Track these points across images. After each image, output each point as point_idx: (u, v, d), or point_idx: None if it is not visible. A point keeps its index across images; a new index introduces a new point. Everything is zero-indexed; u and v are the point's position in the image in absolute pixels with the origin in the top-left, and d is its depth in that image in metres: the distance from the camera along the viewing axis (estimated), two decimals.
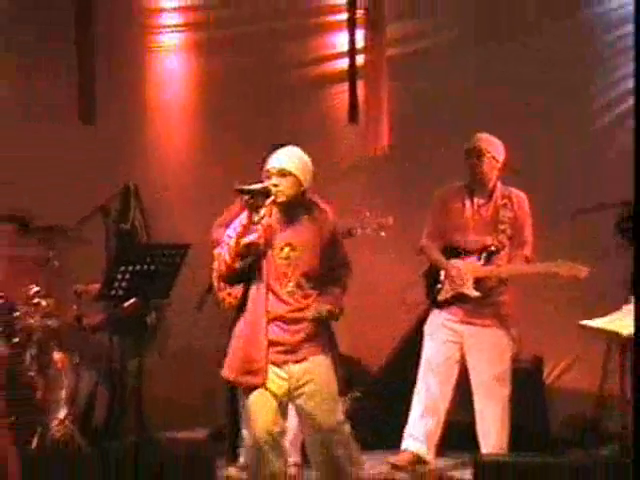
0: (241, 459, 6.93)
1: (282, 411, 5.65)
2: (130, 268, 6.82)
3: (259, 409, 5.60)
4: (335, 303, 5.63)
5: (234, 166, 7.47)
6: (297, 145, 5.78)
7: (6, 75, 8.59)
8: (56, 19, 8.37)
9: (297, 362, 5.60)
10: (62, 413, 7.27)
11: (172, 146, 8.88)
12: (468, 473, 5.50)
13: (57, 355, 7.34)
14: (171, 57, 8.89)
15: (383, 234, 7.11)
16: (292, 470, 6.74)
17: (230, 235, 5.57)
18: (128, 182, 8.05)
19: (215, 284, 7.00)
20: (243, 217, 5.54)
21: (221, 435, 7.52)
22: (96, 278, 7.09)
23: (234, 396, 7.06)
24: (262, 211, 5.52)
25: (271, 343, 5.56)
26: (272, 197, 5.49)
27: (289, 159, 5.60)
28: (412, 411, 6.92)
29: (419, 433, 6.87)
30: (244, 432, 6.21)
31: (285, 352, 5.58)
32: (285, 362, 5.58)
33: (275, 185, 5.50)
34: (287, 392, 5.60)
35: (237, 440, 7.16)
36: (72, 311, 7.54)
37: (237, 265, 5.57)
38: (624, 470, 5.20)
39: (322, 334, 5.66)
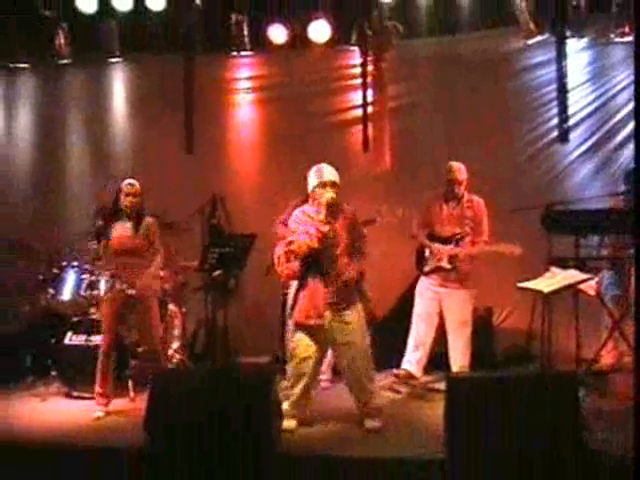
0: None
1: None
2: (217, 250, 7.03)
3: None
4: (356, 270, 5.80)
5: (286, 182, 7.53)
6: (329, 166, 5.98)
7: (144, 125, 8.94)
8: (169, 87, 8.60)
9: (340, 310, 5.79)
10: (176, 345, 7.51)
11: (244, 167, 8.96)
12: (442, 384, 5.59)
13: (171, 307, 7.57)
14: (244, 109, 9.02)
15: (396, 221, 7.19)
16: (326, 384, 7.01)
17: (308, 230, 5.75)
18: (215, 192, 8.05)
19: (276, 261, 7.16)
20: (320, 219, 5.75)
21: (278, 360, 7.54)
22: (195, 256, 7.35)
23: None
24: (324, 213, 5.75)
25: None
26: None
27: (334, 174, 5.81)
28: (408, 344, 7.01)
29: (412, 359, 6.98)
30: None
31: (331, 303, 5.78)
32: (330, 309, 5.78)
33: (331, 193, 5.75)
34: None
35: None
36: (180, 278, 7.77)
37: (317, 246, 5.73)
38: (542, 379, 5.40)
39: (354, 292, 5.85)
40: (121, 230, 6.49)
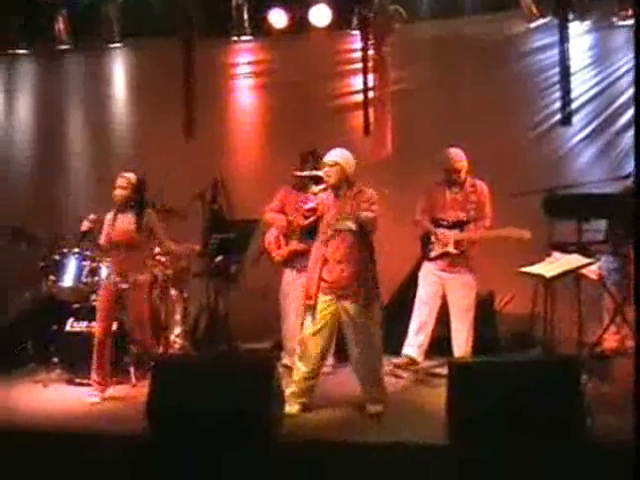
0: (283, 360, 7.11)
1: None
2: (219, 235, 7.06)
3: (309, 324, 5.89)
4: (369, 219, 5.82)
5: (287, 166, 7.46)
6: (331, 149, 5.99)
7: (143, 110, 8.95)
8: (169, 73, 8.52)
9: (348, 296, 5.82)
10: (177, 330, 7.52)
11: (245, 151, 8.97)
12: (444, 369, 5.60)
13: (173, 292, 7.55)
14: (244, 93, 9.03)
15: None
16: (328, 369, 6.87)
17: (299, 205, 5.87)
18: (216, 177, 8.07)
19: (268, 247, 7.18)
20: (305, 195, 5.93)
21: (280, 345, 7.54)
22: (196, 242, 7.33)
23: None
24: (318, 187, 5.81)
25: (323, 280, 5.82)
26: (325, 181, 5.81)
27: (337, 154, 5.86)
28: (410, 329, 7.01)
29: (414, 344, 6.97)
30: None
31: (335, 288, 5.82)
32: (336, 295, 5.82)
33: (327, 172, 5.81)
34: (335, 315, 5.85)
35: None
36: (182, 264, 7.67)
37: (302, 223, 5.86)
38: (545, 364, 5.43)
39: (364, 278, 5.85)
40: (121, 223, 6.52)
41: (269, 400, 5.22)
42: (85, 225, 6.51)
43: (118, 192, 6.53)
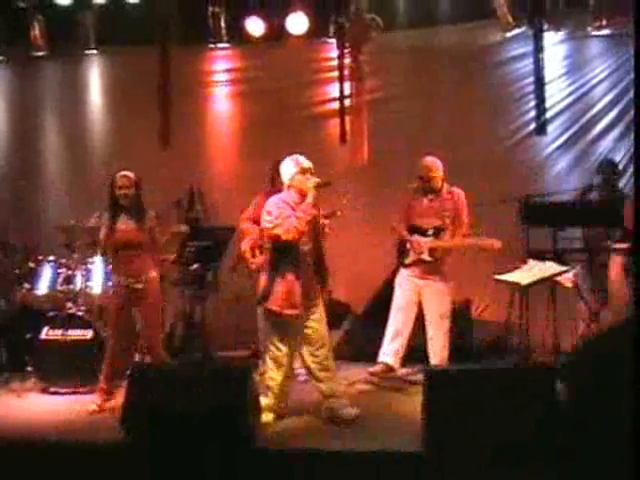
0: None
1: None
2: (195, 243, 7.02)
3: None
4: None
5: (264, 174, 7.47)
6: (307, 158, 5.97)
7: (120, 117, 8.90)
8: (146, 80, 8.45)
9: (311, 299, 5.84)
10: None
11: (222, 159, 8.94)
12: (421, 377, 5.60)
13: None
14: (221, 101, 9.00)
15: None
16: (304, 377, 6.87)
17: (298, 215, 5.68)
18: (192, 185, 8.03)
19: (246, 255, 7.06)
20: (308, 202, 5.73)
21: (256, 354, 7.51)
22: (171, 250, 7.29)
23: None
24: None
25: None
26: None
27: (310, 163, 5.82)
28: (385, 336, 6.99)
29: (389, 351, 6.95)
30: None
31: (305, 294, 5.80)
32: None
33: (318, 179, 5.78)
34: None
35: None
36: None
37: (305, 229, 5.70)
38: (520, 371, 5.45)
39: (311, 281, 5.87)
40: (124, 224, 6.38)
41: (245, 408, 5.20)
42: (92, 222, 6.50)
43: (123, 192, 6.34)
